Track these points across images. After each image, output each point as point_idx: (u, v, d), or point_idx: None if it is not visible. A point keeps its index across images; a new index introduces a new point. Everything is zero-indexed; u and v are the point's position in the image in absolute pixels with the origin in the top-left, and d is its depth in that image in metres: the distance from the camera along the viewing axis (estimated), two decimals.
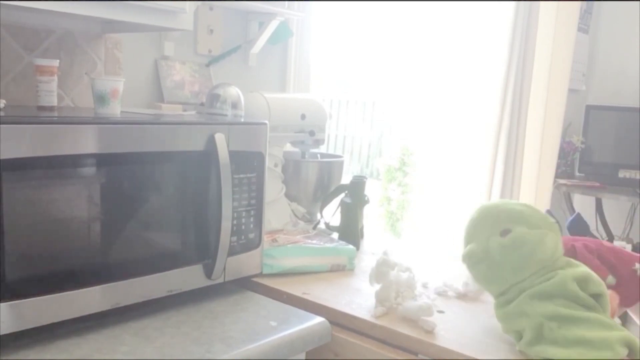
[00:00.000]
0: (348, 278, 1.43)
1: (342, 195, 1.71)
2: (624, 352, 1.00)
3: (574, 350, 1.00)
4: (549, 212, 1.41)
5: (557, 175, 2.99)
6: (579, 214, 1.42)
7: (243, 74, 2.01)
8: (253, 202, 1.29)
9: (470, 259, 1.16)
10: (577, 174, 3.33)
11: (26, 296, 0.97)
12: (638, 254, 1.34)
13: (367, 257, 1.61)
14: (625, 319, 1.34)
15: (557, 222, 1.34)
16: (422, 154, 2.88)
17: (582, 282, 1.08)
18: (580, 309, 1.06)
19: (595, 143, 3.30)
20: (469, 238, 1.18)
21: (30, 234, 0.98)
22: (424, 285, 1.39)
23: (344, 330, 1.20)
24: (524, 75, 2.62)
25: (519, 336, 1.09)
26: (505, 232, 1.13)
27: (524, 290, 1.09)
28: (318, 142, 1.82)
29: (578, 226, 1.39)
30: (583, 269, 1.11)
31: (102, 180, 1.07)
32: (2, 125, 0.91)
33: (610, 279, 1.29)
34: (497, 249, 1.12)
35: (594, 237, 1.40)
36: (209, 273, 1.22)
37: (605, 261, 1.30)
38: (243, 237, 1.28)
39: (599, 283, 1.10)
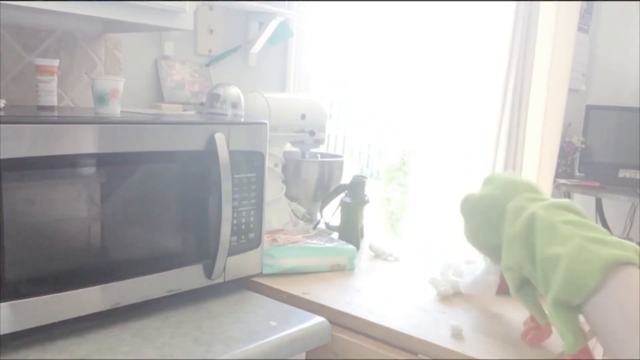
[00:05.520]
0: (348, 278, 1.43)
1: (342, 195, 1.71)
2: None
3: (587, 244, 0.88)
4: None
5: (557, 175, 3.00)
6: None
7: (243, 74, 2.01)
8: (253, 202, 1.29)
9: (464, 200, 1.14)
10: (577, 173, 3.33)
11: (26, 296, 0.97)
12: None
13: (367, 257, 1.61)
14: None
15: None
16: (422, 153, 2.88)
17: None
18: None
19: (595, 143, 3.30)
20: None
21: (30, 234, 0.98)
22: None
23: (344, 330, 1.20)
24: (524, 75, 2.62)
25: (531, 257, 0.97)
26: None
27: (531, 200, 1.01)
28: (318, 142, 1.82)
29: None
30: None
31: (102, 180, 1.07)
32: (2, 125, 0.91)
33: None
34: (484, 181, 1.15)
35: None
36: (209, 273, 1.22)
37: None
38: (243, 237, 1.28)
39: None
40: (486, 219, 1.09)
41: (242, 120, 1.38)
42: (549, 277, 0.93)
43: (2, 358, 0.95)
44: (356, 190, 1.68)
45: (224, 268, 1.24)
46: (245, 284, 1.34)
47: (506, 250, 1.04)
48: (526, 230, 0.98)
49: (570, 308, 0.90)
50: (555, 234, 0.93)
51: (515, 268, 1.02)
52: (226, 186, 1.19)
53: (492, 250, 1.11)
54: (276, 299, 1.29)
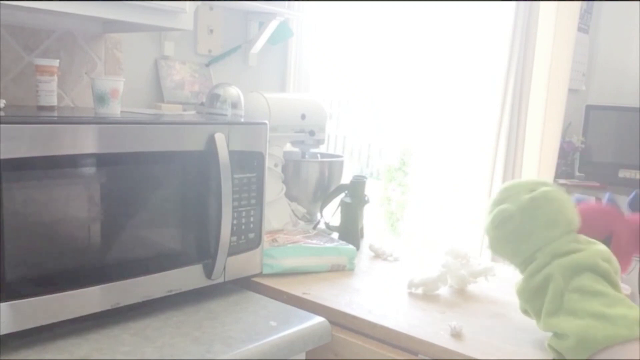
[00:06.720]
0: (348, 278, 1.43)
1: (342, 195, 1.71)
2: None
3: (589, 322, 1.00)
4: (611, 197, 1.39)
5: (557, 175, 2.99)
6: (638, 192, 1.41)
7: (243, 74, 2.01)
8: (253, 202, 1.29)
9: (502, 216, 1.12)
10: (577, 174, 3.33)
11: (26, 296, 0.97)
12: None
13: (367, 257, 1.61)
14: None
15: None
16: (422, 153, 2.88)
17: (607, 260, 1.08)
18: (607, 285, 1.06)
19: (595, 143, 3.30)
20: (497, 202, 1.16)
21: (30, 234, 0.98)
22: None
23: (344, 330, 1.20)
24: (524, 75, 2.62)
25: (538, 311, 1.09)
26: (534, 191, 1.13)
27: (556, 256, 1.08)
28: (318, 142, 1.82)
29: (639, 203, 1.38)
30: (604, 247, 1.11)
31: (102, 180, 1.07)
32: (2, 125, 0.91)
33: None
34: (528, 202, 1.11)
35: None
36: (209, 273, 1.22)
37: None
38: (243, 237, 1.29)
39: (616, 262, 1.11)
40: (512, 244, 1.13)
41: (242, 120, 1.38)
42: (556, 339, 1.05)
43: (2, 358, 0.95)
44: (356, 190, 1.68)
45: (224, 268, 1.24)
46: (245, 284, 1.34)
47: (521, 296, 1.13)
48: (541, 288, 1.08)
49: None
50: (561, 303, 1.04)
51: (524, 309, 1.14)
52: (226, 186, 1.19)
53: (512, 261, 1.17)
54: (276, 299, 1.29)
